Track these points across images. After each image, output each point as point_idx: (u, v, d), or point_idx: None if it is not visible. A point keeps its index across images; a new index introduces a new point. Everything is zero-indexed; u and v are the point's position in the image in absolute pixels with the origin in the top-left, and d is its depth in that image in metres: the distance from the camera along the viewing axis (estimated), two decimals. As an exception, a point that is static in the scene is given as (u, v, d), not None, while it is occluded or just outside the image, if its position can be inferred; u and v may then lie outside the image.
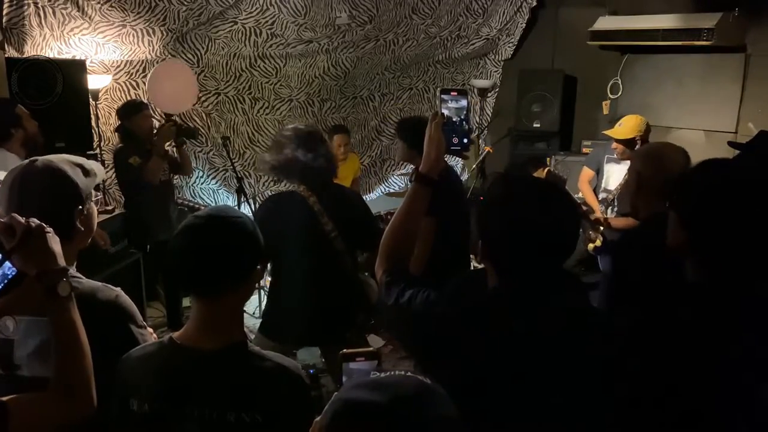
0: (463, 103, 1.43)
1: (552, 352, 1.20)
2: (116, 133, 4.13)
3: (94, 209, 1.58)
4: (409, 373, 0.82)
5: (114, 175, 4.17)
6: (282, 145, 2.62)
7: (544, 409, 1.19)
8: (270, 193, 5.30)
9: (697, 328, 1.25)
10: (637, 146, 3.60)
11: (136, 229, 3.95)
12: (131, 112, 4.02)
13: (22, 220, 1.23)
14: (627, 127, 3.70)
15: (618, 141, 3.71)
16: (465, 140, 1.42)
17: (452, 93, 1.43)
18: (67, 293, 1.24)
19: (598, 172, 4.23)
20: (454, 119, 1.42)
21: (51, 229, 1.27)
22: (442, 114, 1.42)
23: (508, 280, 1.28)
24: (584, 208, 3.58)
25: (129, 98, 4.66)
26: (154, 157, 3.83)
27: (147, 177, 3.82)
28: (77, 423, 1.26)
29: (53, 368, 1.26)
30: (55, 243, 1.26)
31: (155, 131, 3.98)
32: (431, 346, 1.33)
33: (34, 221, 1.25)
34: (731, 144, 2.68)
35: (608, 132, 3.82)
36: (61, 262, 1.25)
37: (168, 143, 3.98)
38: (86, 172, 1.53)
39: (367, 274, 3.09)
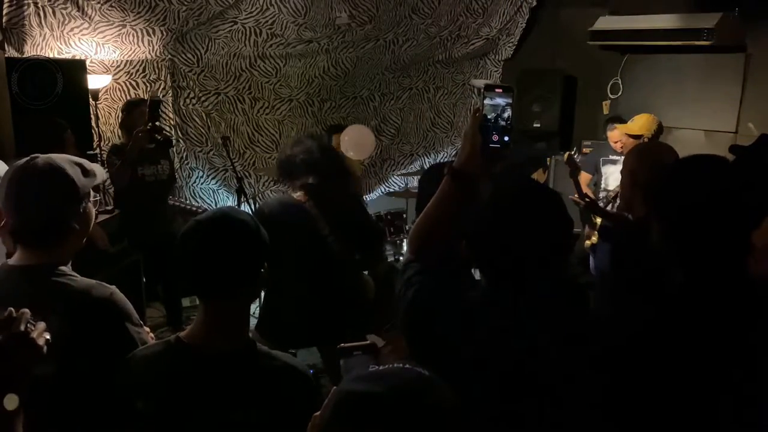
0: (498, 101, 1.40)
1: (535, 356, 1.20)
2: (121, 129, 4.12)
3: (92, 209, 1.58)
4: (407, 365, 0.82)
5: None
6: (294, 146, 2.77)
7: (531, 411, 1.19)
8: (270, 194, 5.33)
9: (702, 328, 1.25)
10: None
11: (129, 227, 3.96)
12: (132, 107, 4.06)
13: (22, 327, 1.07)
14: (637, 123, 3.85)
15: (629, 136, 3.81)
16: (506, 138, 1.39)
17: (497, 90, 1.40)
18: (14, 407, 1.03)
19: (596, 173, 4.27)
20: (489, 116, 1.39)
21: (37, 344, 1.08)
22: (481, 111, 1.40)
23: (491, 282, 1.28)
24: (584, 201, 3.55)
25: (129, 98, 4.68)
26: (122, 163, 3.76)
27: (113, 179, 3.82)
28: None
29: None
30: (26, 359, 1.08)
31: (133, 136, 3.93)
32: (417, 338, 1.34)
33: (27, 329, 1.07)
34: (732, 149, 2.68)
35: (620, 126, 3.93)
36: (21, 380, 1.06)
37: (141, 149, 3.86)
38: (86, 172, 1.54)
39: (366, 272, 3.10)
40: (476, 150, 1.38)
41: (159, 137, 3.96)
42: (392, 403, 0.76)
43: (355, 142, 4.70)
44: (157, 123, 3.97)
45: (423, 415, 0.76)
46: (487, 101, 1.40)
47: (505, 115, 1.40)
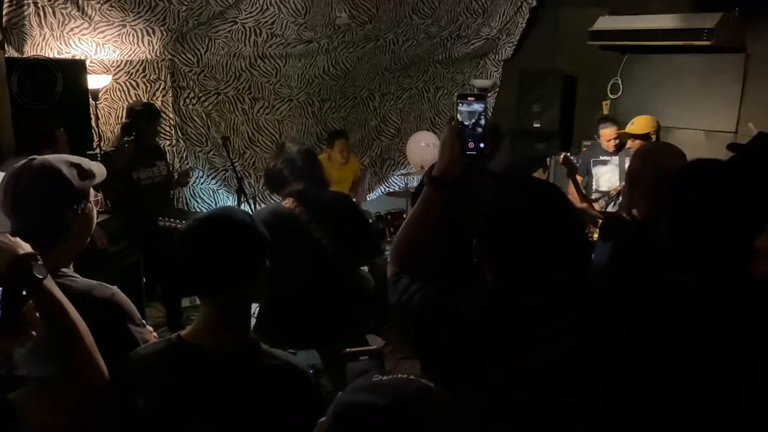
0: (476, 107, 1.43)
1: (544, 354, 1.20)
2: (123, 130, 4.07)
3: (93, 210, 1.57)
4: (411, 377, 0.82)
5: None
6: (275, 157, 2.78)
7: (537, 411, 1.19)
8: (269, 194, 5.33)
9: (695, 328, 1.25)
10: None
11: (129, 227, 3.96)
12: (152, 116, 4.07)
13: None
14: (640, 124, 3.85)
15: (635, 137, 3.82)
16: (481, 145, 1.43)
17: (469, 98, 1.45)
18: (44, 274, 1.19)
19: (587, 175, 4.28)
20: (465, 123, 1.42)
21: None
22: (457, 119, 1.43)
23: (502, 282, 1.28)
24: (583, 201, 3.58)
25: (129, 98, 4.67)
26: (110, 175, 3.72)
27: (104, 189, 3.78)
28: (95, 402, 1.25)
29: (53, 354, 1.23)
30: (10, 239, 1.21)
31: (116, 147, 3.92)
32: (428, 346, 1.34)
33: None
34: (731, 147, 2.69)
35: (624, 130, 3.94)
36: (26, 248, 1.20)
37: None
38: (84, 172, 1.53)
39: (366, 270, 3.11)
40: (455, 158, 1.41)
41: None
42: (393, 415, 0.75)
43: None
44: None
45: (423, 429, 0.76)
46: (463, 108, 1.43)
47: (482, 122, 1.43)
